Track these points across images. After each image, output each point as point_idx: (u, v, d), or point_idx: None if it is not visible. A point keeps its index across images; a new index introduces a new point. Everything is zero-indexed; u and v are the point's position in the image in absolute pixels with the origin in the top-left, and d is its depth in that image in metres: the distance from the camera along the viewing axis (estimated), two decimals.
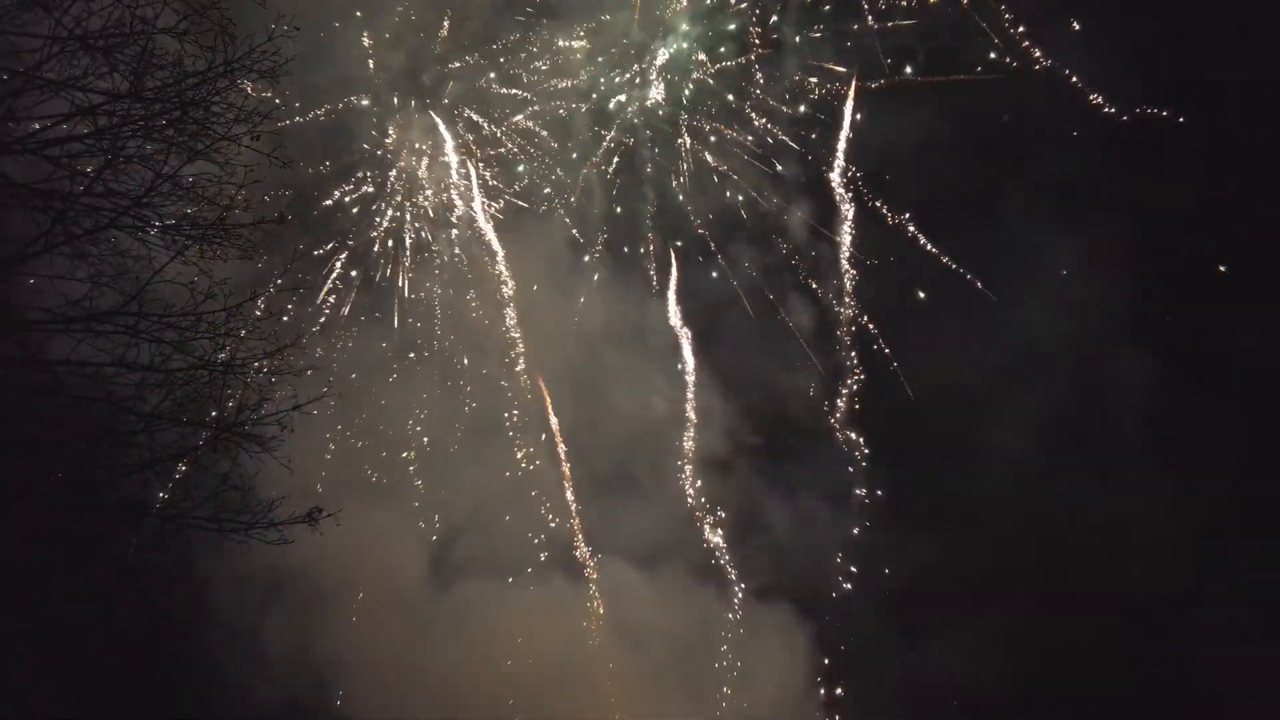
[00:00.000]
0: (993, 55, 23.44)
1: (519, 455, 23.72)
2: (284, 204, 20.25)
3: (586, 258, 23.98)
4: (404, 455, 23.25)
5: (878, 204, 24.04)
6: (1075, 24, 23.30)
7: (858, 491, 24.85)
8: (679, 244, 24.41)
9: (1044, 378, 24.16)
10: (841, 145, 23.89)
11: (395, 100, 22.80)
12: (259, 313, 11.32)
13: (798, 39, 23.64)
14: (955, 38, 23.54)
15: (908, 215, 24.07)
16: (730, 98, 23.82)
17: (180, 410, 10.83)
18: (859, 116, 23.95)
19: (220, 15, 11.11)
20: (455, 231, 23.22)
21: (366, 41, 22.11)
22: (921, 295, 24.55)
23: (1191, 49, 23.29)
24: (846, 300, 24.43)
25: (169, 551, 11.00)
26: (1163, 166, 23.44)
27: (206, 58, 11.20)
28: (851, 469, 24.92)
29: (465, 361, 23.70)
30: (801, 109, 23.92)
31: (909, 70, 23.58)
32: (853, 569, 24.54)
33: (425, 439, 23.34)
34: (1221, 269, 23.22)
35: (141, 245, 11.26)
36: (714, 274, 24.60)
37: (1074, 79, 23.32)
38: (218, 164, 11.60)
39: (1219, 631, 22.47)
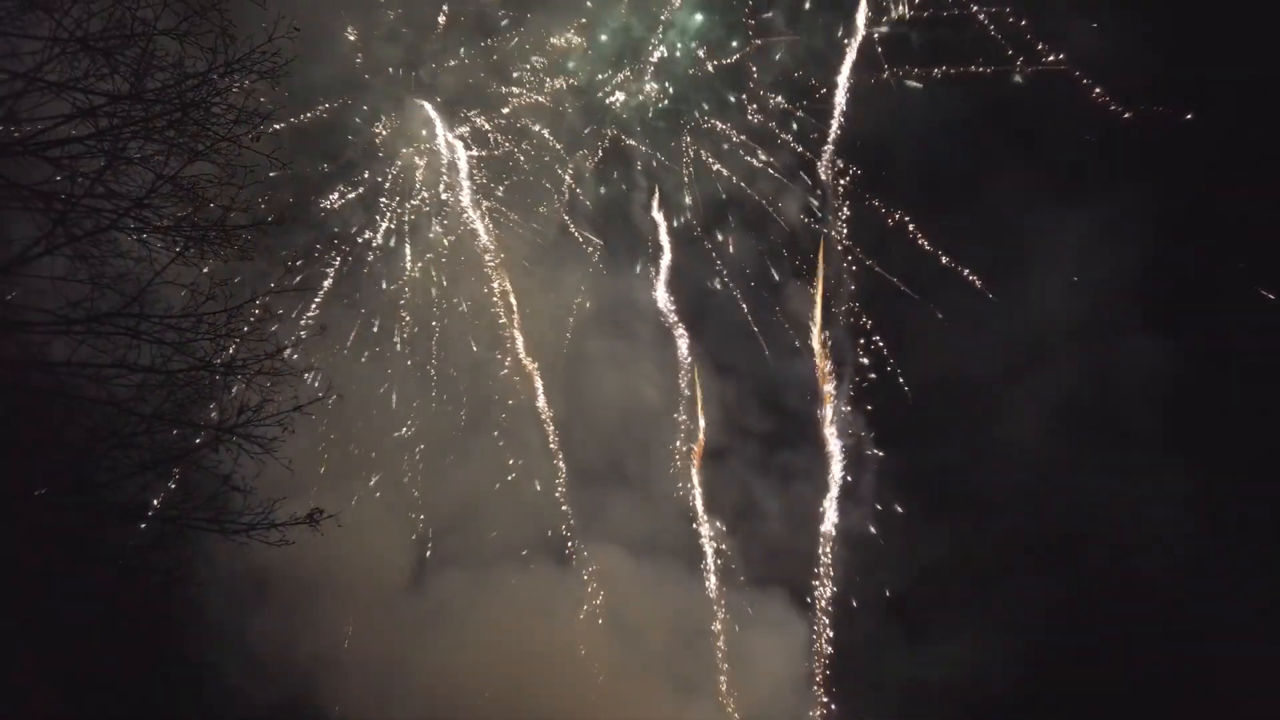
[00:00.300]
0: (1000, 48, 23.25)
1: (510, 449, 23.68)
2: (283, 205, 20.24)
3: (580, 266, 23.95)
4: (397, 451, 23.23)
5: (871, 199, 23.95)
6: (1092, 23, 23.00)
7: (860, 479, 24.68)
8: (673, 230, 24.32)
9: (1050, 364, 23.79)
10: (836, 121, 23.69)
11: (389, 95, 22.76)
12: (257, 312, 11.28)
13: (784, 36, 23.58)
14: (955, 28, 23.41)
15: (906, 217, 24.01)
16: (726, 92, 23.82)
17: (181, 411, 10.86)
18: (856, 103, 23.80)
19: (220, 17, 11.15)
20: (443, 227, 23.20)
21: (352, 36, 22.04)
22: (926, 278, 24.19)
23: (1202, 44, 23.01)
24: (846, 285, 24.35)
25: (170, 552, 11.04)
26: (1177, 145, 22.95)
27: (207, 59, 11.26)
28: (846, 468, 24.77)
29: (458, 356, 23.66)
30: (796, 108, 23.88)
31: (909, 67, 23.49)
32: (853, 566, 24.44)
33: (420, 447, 23.33)
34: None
35: (142, 247, 11.31)
36: (707, 279, 24.63)
37: (1078, 74, 23.14)
38: (218, 165, 11.66)
39: (1235, 630, 22.08)
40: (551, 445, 23.85)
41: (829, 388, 24.68)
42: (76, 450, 10.48)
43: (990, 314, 23.86)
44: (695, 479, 24.58)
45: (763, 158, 23.90)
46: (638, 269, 24.60)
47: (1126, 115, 23.04)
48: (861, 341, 24.57)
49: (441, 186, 23.20)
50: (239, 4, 11.63)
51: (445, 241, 23.26)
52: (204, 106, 11.35)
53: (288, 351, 11.20)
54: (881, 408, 24.67)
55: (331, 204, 22.23)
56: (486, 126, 23.16)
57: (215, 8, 11.02)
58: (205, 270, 11.86)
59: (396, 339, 23.12)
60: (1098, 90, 23.11)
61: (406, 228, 23.06)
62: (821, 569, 24.23)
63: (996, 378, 23.68)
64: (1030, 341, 23.67)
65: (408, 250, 23.16)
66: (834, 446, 24.64)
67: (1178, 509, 22.51)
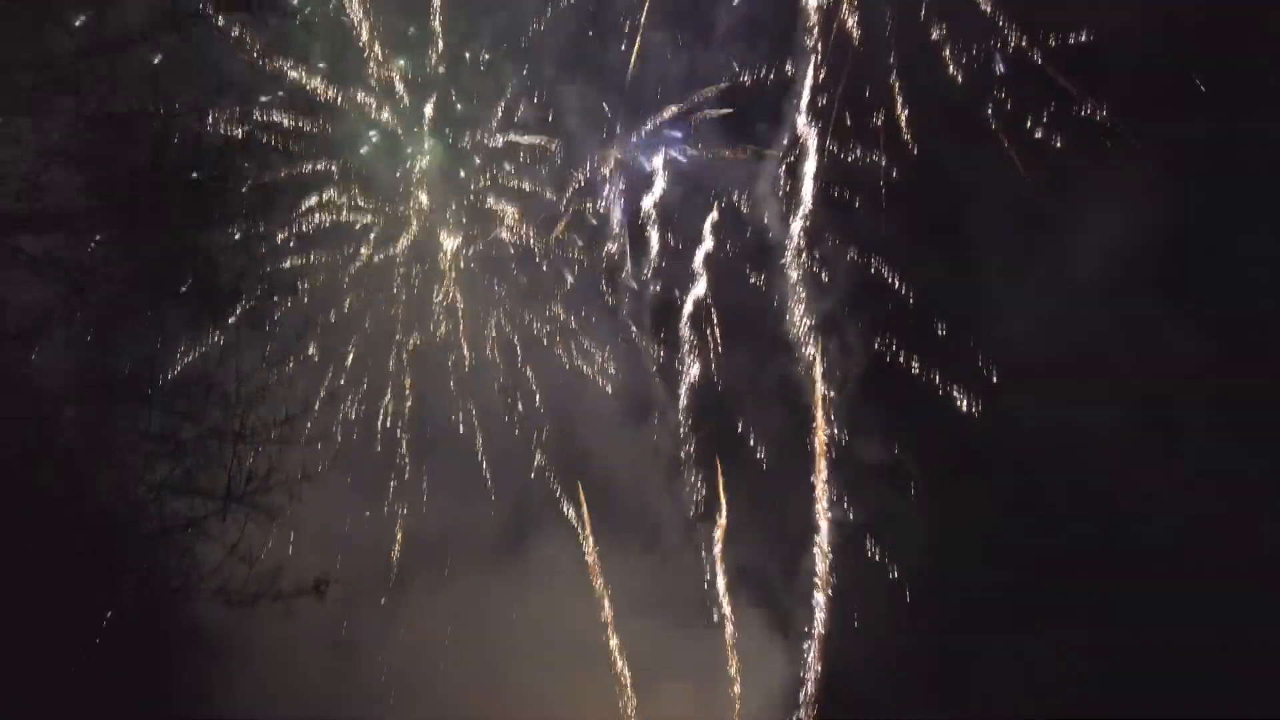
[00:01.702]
0: None
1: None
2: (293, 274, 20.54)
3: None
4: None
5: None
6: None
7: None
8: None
9: (1083, 333, 21.99)
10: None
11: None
12: (271, 381, 11.47)
13: None
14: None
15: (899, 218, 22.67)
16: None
17: (189, 479, 10.94)
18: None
19: (238, 94, 11.55)
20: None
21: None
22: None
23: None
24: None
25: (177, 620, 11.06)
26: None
27: (224, 134, 11.63)
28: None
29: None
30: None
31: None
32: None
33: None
34: None
35: (156, 314, 11.51)
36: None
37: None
38: (232, 234, 11.96)
39: None
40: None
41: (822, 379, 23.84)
42: (86, 520, 10.53)
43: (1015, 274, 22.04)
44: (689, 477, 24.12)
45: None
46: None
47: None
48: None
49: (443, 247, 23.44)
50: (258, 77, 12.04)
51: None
52: (221, 178, 11.69)
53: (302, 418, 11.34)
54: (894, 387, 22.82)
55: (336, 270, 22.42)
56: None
57: (232, 86, 11.41)
58: (217, 338, 12.12)
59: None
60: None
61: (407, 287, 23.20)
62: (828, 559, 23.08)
63: (1026, 346, 21.80)
64: (1061, 306, 21.95)
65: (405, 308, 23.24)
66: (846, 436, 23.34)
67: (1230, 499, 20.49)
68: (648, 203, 23.77)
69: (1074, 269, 21.82)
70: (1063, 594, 21.20)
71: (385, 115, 22.00)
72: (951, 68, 21.79)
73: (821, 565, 23.11)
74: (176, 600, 10.73)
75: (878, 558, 22.63)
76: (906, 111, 21.93)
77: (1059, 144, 21.54)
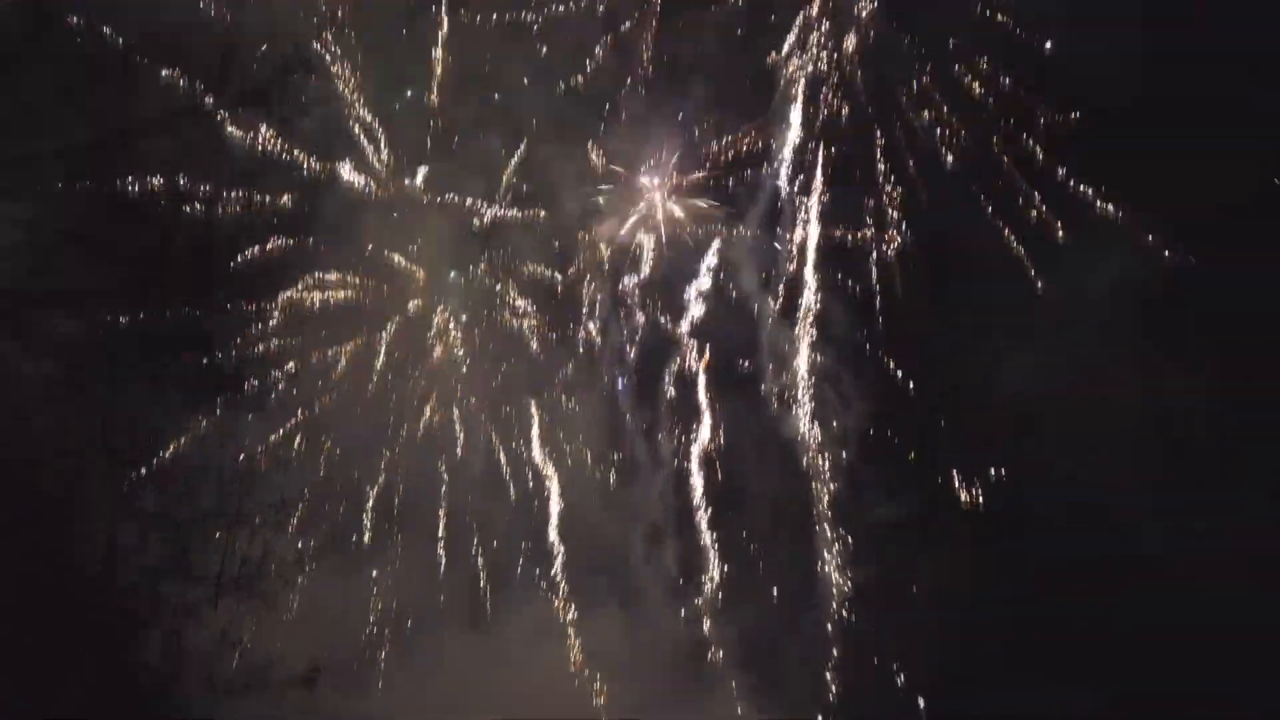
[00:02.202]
0: None
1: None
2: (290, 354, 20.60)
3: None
4: None
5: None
6: None
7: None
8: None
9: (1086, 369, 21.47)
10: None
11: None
12: (266, 465, 11.46)
13: None
14: None
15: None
16: None
17: (181, 560, 10.81)
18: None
19: (245, 177, 11.79)
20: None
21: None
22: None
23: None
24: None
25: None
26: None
27: (231, 216, 11.82)
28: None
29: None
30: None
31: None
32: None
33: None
34: None
35: (157, 393, 11.52)
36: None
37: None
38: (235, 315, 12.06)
39: None
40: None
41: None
42: (74, 601, 10.36)
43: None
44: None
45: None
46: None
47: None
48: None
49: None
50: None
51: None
52: (227, 260, 11.86)
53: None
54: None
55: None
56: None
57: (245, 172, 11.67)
58: (214, 420, 12.11)
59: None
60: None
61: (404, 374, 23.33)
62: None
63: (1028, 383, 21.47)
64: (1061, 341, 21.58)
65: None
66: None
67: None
68: (636, 277, 24.29)
69: (1069, 310, 21.80)
70: (1062, 608, 21.10)
71: (382, 193, 22.44)
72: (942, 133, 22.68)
73: (820, 621, 22.96)
74: (163, 688, 10.50)
75: (877, 610, 22.54)
76: (892, 172, 22.75)
77: (1056, 223, 22.02)
